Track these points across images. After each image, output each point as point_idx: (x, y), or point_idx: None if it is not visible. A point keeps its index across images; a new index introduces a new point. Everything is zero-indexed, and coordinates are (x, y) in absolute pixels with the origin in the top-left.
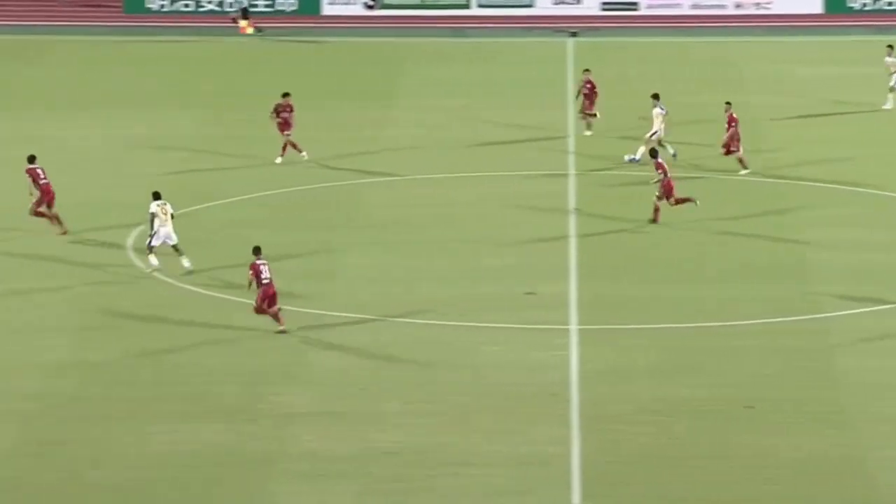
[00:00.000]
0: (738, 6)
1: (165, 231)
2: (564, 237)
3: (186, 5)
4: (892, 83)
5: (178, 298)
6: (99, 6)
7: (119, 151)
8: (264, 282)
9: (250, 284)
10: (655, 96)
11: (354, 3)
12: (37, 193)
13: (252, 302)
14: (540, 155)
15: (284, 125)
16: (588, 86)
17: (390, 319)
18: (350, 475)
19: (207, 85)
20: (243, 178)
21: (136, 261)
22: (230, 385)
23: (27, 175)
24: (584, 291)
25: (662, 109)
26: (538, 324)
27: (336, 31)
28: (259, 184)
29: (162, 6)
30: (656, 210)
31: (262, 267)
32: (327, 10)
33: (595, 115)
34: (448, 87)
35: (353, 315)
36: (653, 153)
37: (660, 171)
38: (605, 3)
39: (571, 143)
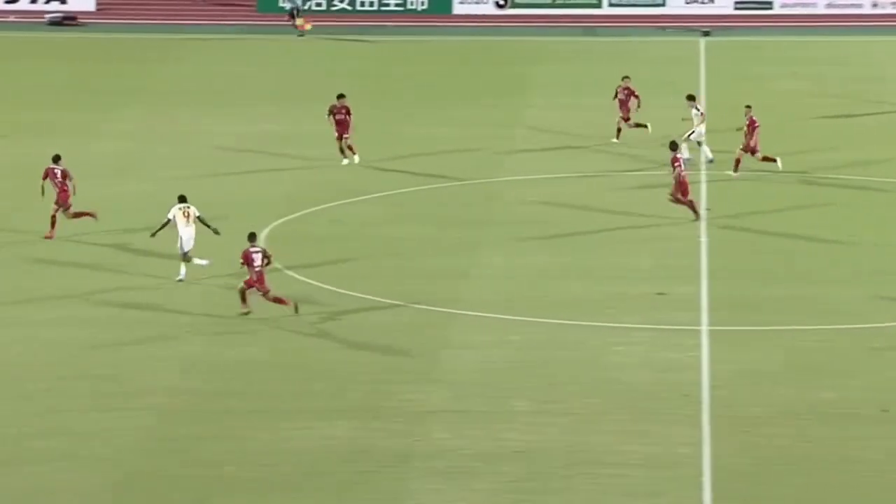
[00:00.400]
0: (874, 5)
1: (187, 234)
2: (696, 237)
3: (318, 4)
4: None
5: (312, 296)
6: (233, 5)
7: (252, 147)
8: (256, 269)
9: (243, 266)
10: (691, 97)
11: (485, 2)
12: (56, 193)
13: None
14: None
15: (340, 126)
16: (625, 92)
17: (522, 318)
18: (483, 474)
19: (335, 83)
20: (376, 175)
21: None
22: (364, 383)
23: (49, 176)
24: (716, 292)
25: (699, 110)
26: (669, 324)
27: (467, 29)
28: (394, 181)
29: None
30: (683, 204)
31: (254, 255)
32: (458, 9)
33: (642, 125)
34: (579, 86)
35: (487, 314)
36: (672, 146)
37: (676, 165)
38: (738, 3)
39: (704, 143)
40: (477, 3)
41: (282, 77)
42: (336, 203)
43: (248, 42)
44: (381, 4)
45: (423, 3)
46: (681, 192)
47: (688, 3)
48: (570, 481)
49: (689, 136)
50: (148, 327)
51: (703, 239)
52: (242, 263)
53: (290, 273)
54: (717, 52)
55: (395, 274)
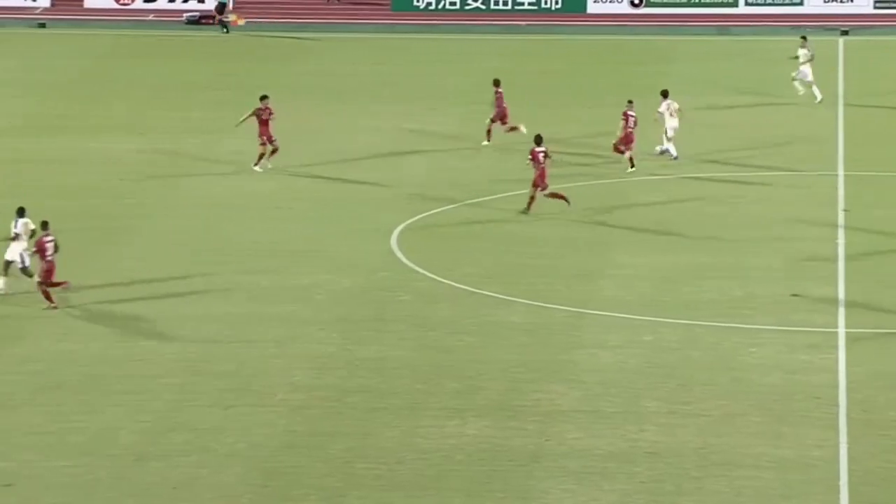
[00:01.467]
0: None
1: (19, 248)
2: (832, 238)
3: (452, 3)
4: (797, 75)
5: (443, 294)
6: (368, 4)
7: (387, 145)
8: (48, 257)
9: (34, 256)
10: (664, 93)
11: (620, 1)
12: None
13: None
14: (808, 154)
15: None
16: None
17: (655, 319)
18: (615, 475)
19: (467, 81)
20: (507, 173)
21: (400, 255)
22: (496, 381)
23: None
24: (852, 294)
25: (669, 107)
26: (804, 326)
27: (601, 28)
28: (525, 181)
29: (428, 4)
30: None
31: (47, 244)
32: (592, 7)
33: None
34: (712, 86)
35: (619, 314)
36: (537, 139)
37: (533, 159)
38: (878, 2)
39: (840, 144)
40: (611, 1)
41: (413, 76)
42: (469, 202)
43: (382, 41)
44: (514, 4)
45: (557, 3)
46: (538, 183)
47: (826, 2)
48: (702, 483)
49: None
50: (283, 324)
51: (841, 241)
52: (35, 251)
53: (423, 271)
54: (856, 51)
55: (529, 273)
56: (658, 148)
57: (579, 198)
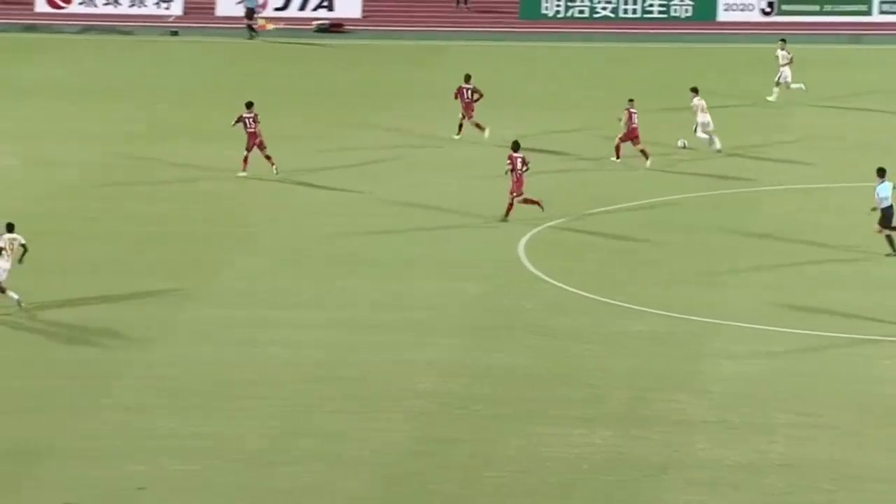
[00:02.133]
0: None
1: (5, 266)
2: None
3: (581, 11)
4: (779, 77)
5: (568, 303)
6: (496, 12)
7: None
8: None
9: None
10: (695, 90)
11: (751, 9)
12: None
13: None
14: None
15: (468, 108)
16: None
17: (785, 329)
18: (745, 486)
19: (591, 91)
20: (632, 182)
21: (527, 263)
22: (621, 390)
23: None
24: None
25: (698, 104)
26: None
27: (732, 37)
28: (652, 189)
29: (557, 12)
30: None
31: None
32: (723, 16)
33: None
34: (843, 94)
35: (749, 324)
36: (514, 146)
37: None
38: None
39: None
40: (742, 10)
41: (539, 84)
42: (595, 210)
43: (509, 49)
44: (644, 12)
45: (687, 11)
46: (514, 190)
47: None
48: (834, 496)
49: (695, 129)
50: (409, 331)
51: None
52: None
53: (548, 280)
54: None
55: (655, 282)
56: (680, 142)
57: (704, 206)
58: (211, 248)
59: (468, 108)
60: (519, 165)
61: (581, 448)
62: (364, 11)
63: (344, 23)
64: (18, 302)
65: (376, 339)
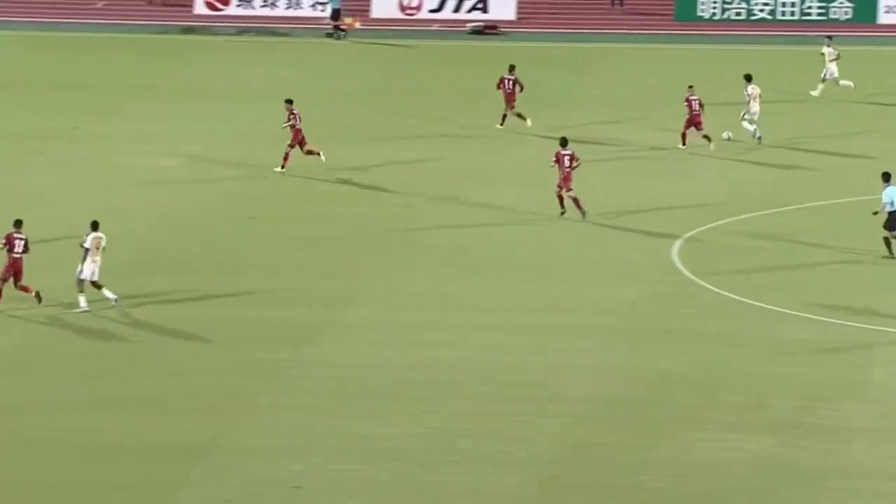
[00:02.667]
0: None
1: (91, 266)
2: None
3: (738, 13)
4: (824, 74)
5: (725, 307)
6: (651, 14)
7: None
8: (15, 254)
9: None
10: (748, 77)
11: None
12: None
13: None
14: None
15: (509, 98)
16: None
17: None
18: None
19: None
20: (787, 185)
21: (681, 266)
22: (780, 397)
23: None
24: None
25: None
26: None
27: (892, 39)
28: (805, 193)
29: (713, 14)
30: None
31: (17, 241)
32: (884, 18)
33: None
34: None
35: None
36: (562, 142)
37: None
38: None
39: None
40: None
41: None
42: (750, 214)
43: (663, 51)
44: (802, 14)
45: (846, 13)
46: (561, 185)
47: None
48: None
49: (744, 115)
50: (567, 334)
51: None
52: (4, 244)
53: (704, 284)
54: None
55: (814, 287)
56: (726, 134)
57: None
58: (377, 250)
59: (509, 98)
60: (566, 162)
61: (738, 454)
62: (518, 13)
63: (498, 25)
64: (116, 300)
65: (536, 342)
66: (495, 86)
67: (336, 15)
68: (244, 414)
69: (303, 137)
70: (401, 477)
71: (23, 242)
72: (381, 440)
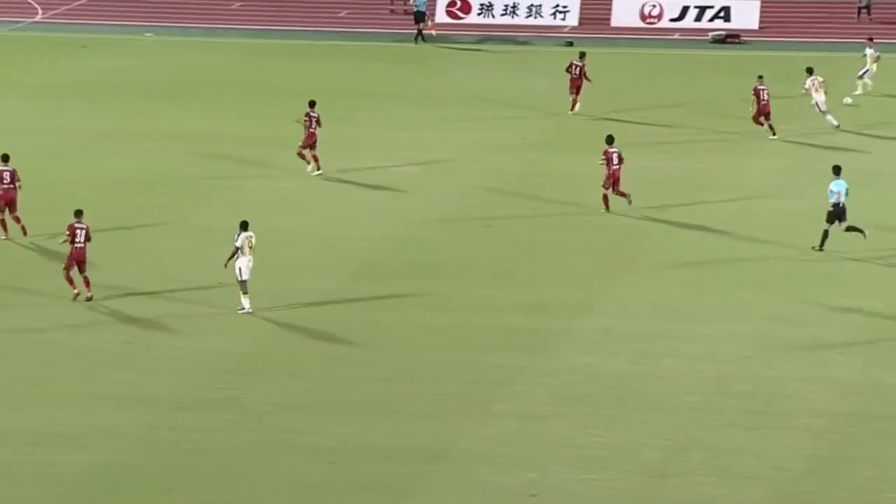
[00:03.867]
0: None
1: (242, 263)
2: None
3: None
4: (863, 73)
5: None
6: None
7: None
8: (77, 245)
9: (63, 243)
10: (809, 70)
11: None
12: None
13: None
14: None
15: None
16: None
17: None
18: None
19: None
20: None
21: None
22: None
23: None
24: None
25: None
26: None
27: None
28: None
29: None
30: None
31: (78, 231)
32: None
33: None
34: None
35: None
36: (609, 140)
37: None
38: None
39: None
40: None
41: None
42: None
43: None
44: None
45: None
46: (607, 184)
47: None
48: None
49: (815, 106)
50: (802, 346)
51: None
52: (68, 235)
53: None
54: None
55: None
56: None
57: None
58: (608, 258)
59: (574, 83)
60: (615, 160)
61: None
62: (762, 22)
63: (741, 34)
64: (248, 311)
65: (770, 353)
66: (565, 69)
67: (420, 17)
68: (477, 420)
69: (314, 141)
70: (636, 487)
71: (83, 232)
72: (617, 450)
